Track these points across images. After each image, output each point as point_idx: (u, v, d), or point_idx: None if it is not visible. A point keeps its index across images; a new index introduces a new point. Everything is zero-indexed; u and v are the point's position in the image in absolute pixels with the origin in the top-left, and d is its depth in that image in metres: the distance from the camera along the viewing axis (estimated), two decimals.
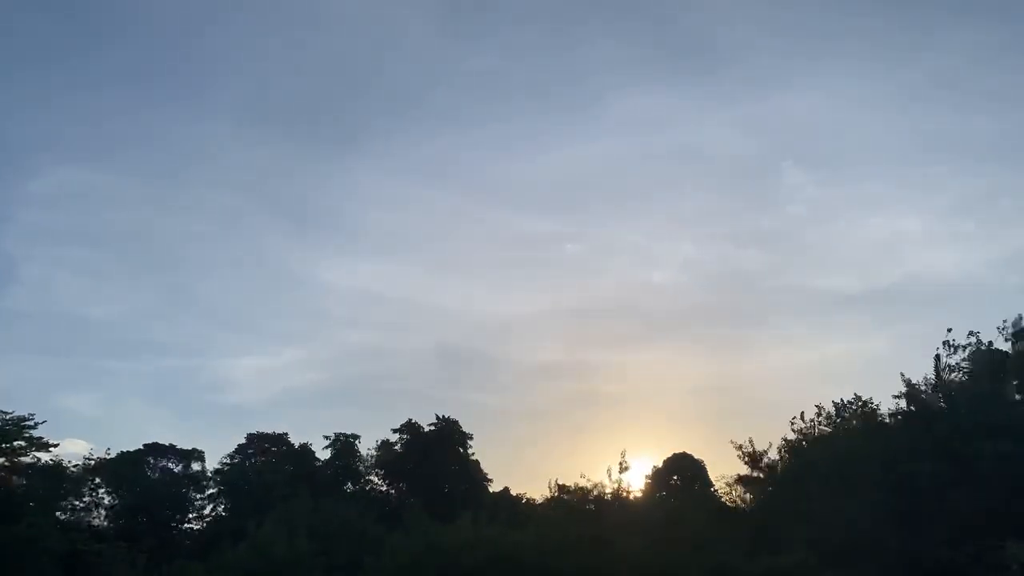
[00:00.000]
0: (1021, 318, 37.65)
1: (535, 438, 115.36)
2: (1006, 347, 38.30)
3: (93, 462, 64.40)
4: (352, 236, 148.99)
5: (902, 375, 38.56)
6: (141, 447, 69.62)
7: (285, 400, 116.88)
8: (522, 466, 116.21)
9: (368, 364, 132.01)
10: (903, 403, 38.52)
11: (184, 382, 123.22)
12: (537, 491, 69.54)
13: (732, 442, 41.13)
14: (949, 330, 37.63)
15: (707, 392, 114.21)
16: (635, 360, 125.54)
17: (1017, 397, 37.54)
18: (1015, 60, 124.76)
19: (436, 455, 72.02)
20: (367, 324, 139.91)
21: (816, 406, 40.11)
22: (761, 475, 41.08)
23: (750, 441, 40.76)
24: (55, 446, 51.27)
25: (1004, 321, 38.04)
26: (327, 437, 73.80)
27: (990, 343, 37.65)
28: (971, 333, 37.48)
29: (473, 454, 75.28)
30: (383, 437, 74.95)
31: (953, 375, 37.65)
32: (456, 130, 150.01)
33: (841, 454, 35.79)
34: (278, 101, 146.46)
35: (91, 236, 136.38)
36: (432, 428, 74.89)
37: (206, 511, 69.72)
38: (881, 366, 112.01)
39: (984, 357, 37.26)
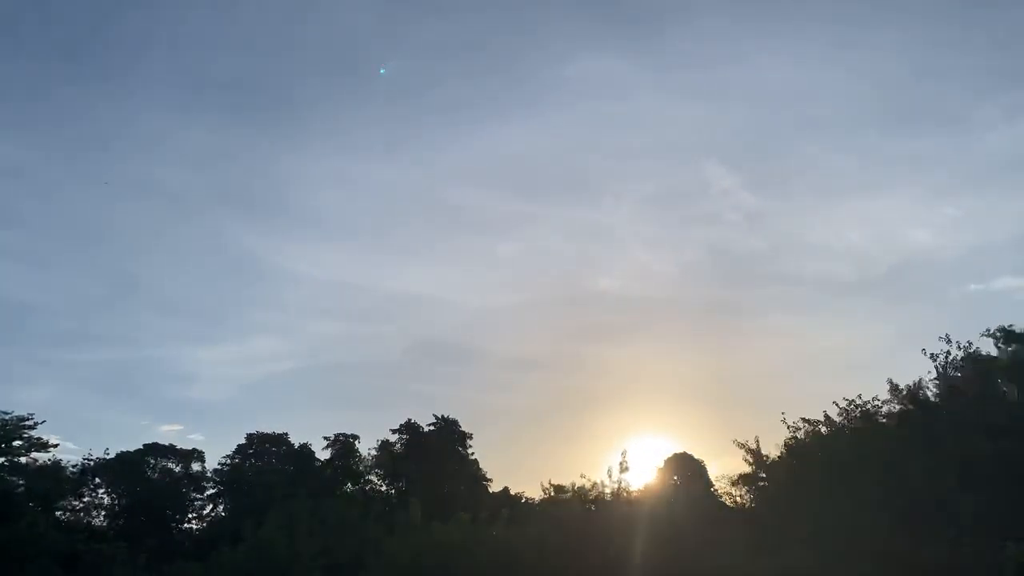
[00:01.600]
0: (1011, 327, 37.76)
1: (519, 434, 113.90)
2: (995, 352, 38.28)
3: (93, 462, 64.49)
4: (307, 218, 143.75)
5: (890, 381, 38.63)
6: (141, 447, 69.63)
7: (250, 394, 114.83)
8: (507, 461, 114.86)
9: (336, 355, 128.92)
10: (904, 403, 38.50)
11: (139, 374, 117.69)
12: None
13: (735, 441, 41.08)
14: (947, 336, 37.55)
15: (696, 384, 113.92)
16: (619, 353, 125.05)
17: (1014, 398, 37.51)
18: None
19: (436, 455, 72.03)
20: (335, 313, 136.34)
21: (824, 411, 40.01)
22: (762, 474, 41.05)
23: (756, 440, 40.73)
24: (54, 446, 51.27)
25: (988, 329, 38.03)
26: (327, 438, 73.89)
27: (977, 349, 37.61)
28: (952, 341, 37.46)
29: (473, 454, 75.38)
30: (381, 437, 75.14)
31: (954, 372, 37.61)
32: (410, 103, 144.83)
33: (841, 454, 35.77)
34: (219, 77, 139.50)
35: (22, 218, 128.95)
36: (432, 428, 74.91)
37: (206, 511, 69.74)
38: (875, 353, 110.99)
39: (977, 360, 37.23)
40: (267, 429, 74.03)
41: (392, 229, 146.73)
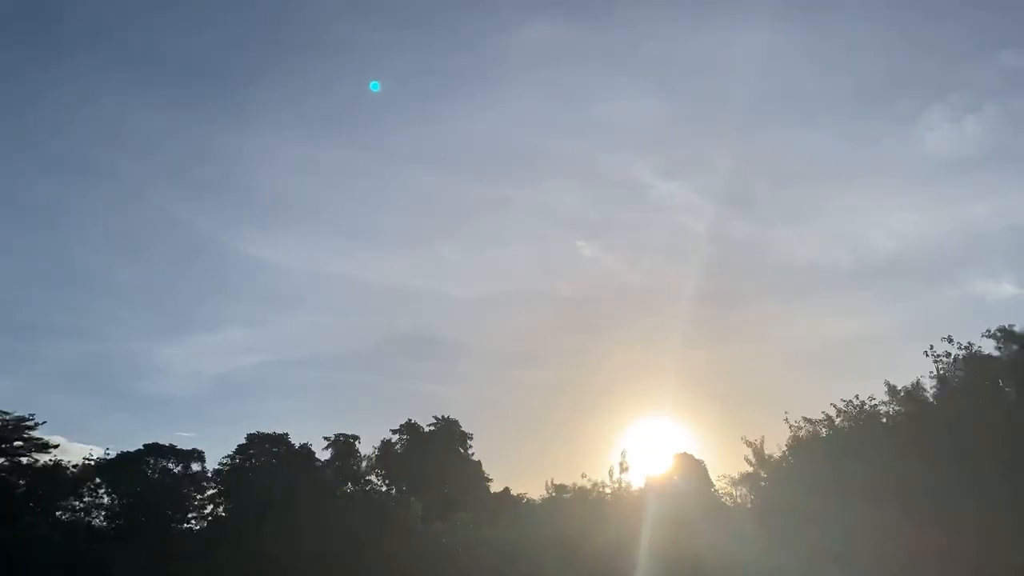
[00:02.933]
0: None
1: (510, 432, 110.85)
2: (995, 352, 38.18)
3: (94, 462, 64.49)
4: (270, 204, 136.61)
5: (887, 382, 38.57)
6: (141, 447, 69.59)
7: (217, 390, 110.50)
8: (495, 458, 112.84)
9: (307, 349, 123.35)
10: (904, 403, 38.45)
11: (98, 368, 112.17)
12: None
13: (743, 438, 41.09)
14: (949, 337, 37.46)
15: (694, 378, 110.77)
16: (606, 345, 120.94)
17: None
18: None
19: (436, 455, 72.01)
20: (307, 304, 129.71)
21: (823, 412, 39.98)
22: (763, 474, 41.03)
23: (761, 440, 40.71)
24: (55, 447, 51.31)
25: (988, 330, 37.95)
26: (327, 438, 73.86)
27: (978, 349, 37.50)
28: (952, 341, 37.37)
29: (473, 454, 75.36)
30: (381, 436, 75.12)
31: (954, 373, 37.54)
32: (362, 76, 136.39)
33: (842, 454, 35.74)
34: (173, 58, 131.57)
35: None
36: (432, 428, 74.90)
37: (206, 511, 69.67)
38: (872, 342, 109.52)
39: (977, 360, 37.14)
40: (235, 424, 73.45)
41: (356, 216, 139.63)
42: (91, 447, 67.89)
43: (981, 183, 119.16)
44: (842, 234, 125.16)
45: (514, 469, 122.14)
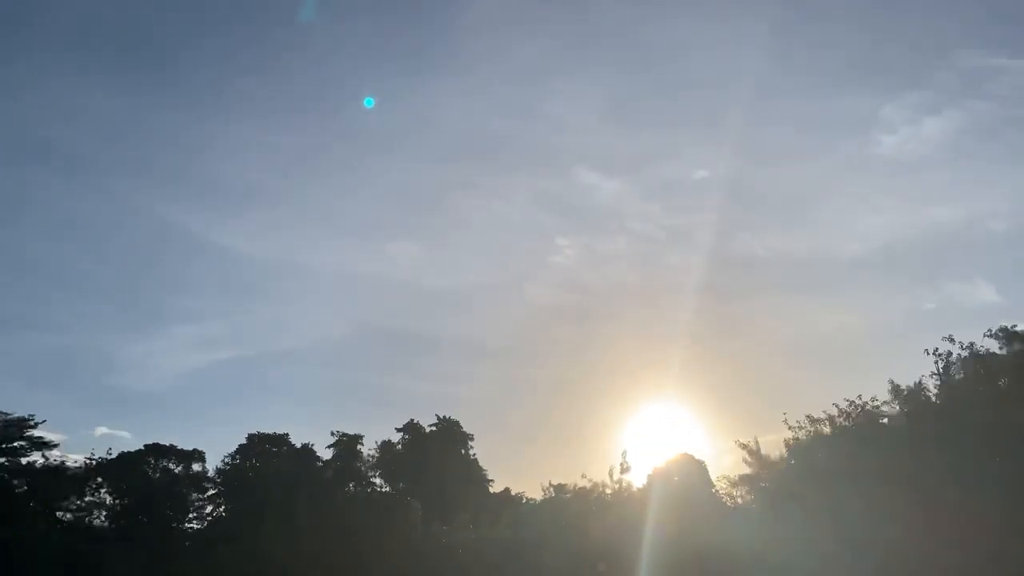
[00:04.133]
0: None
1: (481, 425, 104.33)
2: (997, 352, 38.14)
3: (95, 462, 64.53)
4: (233, 192, 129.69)
5: (891, 381, 38.55)
6: (142, 447, 69.63)
7: (187, 385, 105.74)
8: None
9: (283, 343, 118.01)
10: (904, 404, 38.41)
11: (63, 362, 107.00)
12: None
13: (737, 441, 41.04)
14: (951, 336, 37.44)
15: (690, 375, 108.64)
16: (595, 339, 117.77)
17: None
18: None
19: (437, 455, 71.99)
20: (276, 295, 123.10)
21: (824, 411, 39.93)
22: (764, 474, 41.01)
23: (755, 441, 40.68)
24: (55, 446, 51.30)
25: (990, 329, 37.94)
26: (332, 434, 73.96)
27: (979, 348, 37.46)
28: (954, 341, 37.33)
29: (474, 454, 75.34)
30: (383, 437, 75.09)
31: (956, 373, 37.52)
32: (327, 65, 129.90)
33: (843, 454, 35.70)
34: (129, 41, 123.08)
35: None
36: (433, 428, 74.93)
37: (207, 511, 69.69)
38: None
39: (979, 359, 37.12)
40: (214, 422, 72.91)
41: (323, 203, 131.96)
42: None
43: (941, 184, 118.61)
44: (814, 232, 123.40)
45: (510, 466, 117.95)
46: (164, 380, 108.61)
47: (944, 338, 37.38)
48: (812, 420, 39.90)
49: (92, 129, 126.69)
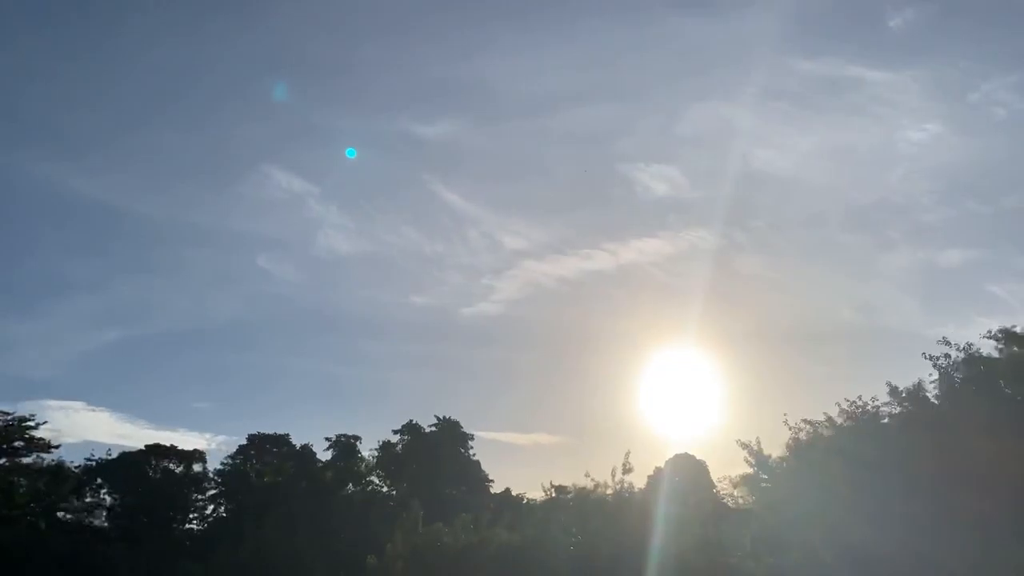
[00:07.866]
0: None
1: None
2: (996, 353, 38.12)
3: (95, 463, 64.64)
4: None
5: (889, 383, 38.51)
6: (142, 448, 69.74)
7: (78, 368, 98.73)
8: None
9: (171, 322, 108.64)
10: (905, 404, 38.41)
11: None
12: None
13: (738, 441, 40.96)
14: (945, 339, 37.43)
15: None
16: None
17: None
18: None
19: (437, 456, 72.03)
20: (163, 263, 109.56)
21: (825, 412, 39.89)
22: (764, 475, 40.94)
23: (757, 440, 40.60)
24: (56, 447, 51.28)
25: (989, 331, 37.91)
26: (328, 439, 73.98)
27: (977, 350, 37.45)
28: (950, 342, 37.30)
29: (474, 455, 75.40)
30: (383, 438, 75.13)
31: (955, 374, 37.52)
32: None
33: (843, 455, 35.69)
34: None
35: None
36: (433, 429, 74.95)
37: (207, 512, 69.79)
38: None
39: (977, 361, 37.11)
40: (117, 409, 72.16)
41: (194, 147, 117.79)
42: None
43: None
44: None
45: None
46: (49, 364, 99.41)
47: (938, 341, 37.41)
48: (808, 422, 39.91)
49: None
